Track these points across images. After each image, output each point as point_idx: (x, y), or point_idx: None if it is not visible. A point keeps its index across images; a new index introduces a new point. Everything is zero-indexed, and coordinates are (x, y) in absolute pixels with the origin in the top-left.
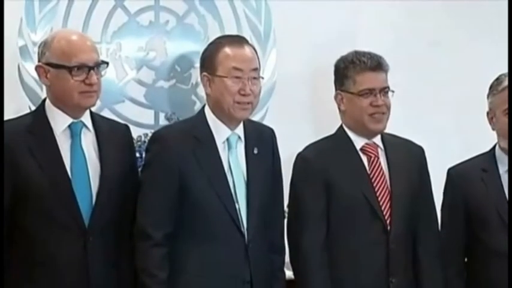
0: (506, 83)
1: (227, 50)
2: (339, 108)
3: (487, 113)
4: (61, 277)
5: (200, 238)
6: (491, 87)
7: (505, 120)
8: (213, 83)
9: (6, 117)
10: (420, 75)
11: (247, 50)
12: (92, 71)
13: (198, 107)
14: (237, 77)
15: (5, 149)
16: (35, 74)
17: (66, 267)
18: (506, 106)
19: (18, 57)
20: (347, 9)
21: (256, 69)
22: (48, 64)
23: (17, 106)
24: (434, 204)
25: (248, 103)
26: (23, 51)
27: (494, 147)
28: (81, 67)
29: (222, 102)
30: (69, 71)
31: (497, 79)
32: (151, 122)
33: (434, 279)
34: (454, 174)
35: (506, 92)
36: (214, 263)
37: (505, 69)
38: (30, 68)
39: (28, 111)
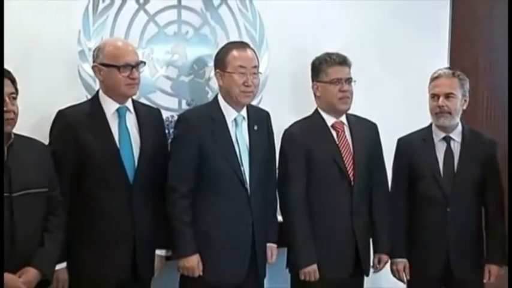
0: (436, 75)
1: (234, 52)
2: (315, 95)
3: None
4: (112, 223)
5: (214, 192)
6: (430, 79)
7: (432, 103)
8: (224, 78)
9: (68, 104)
10: (376, 69)
11: (249, 52)
12: (134, 69)
13: (210, 95)
14: (242, 73)
15: (68, 128)
16: (90, 72)
17: (116, 216)
18: (432, 92)
19: (77, 60)
20: (319, 24)
21: (256, 67)
22: (102, 64)
23: (76, 96)
24: (385, 165)
25: (250, 92)
26: (81, 55)
27: (431, 123)
28: (126, 66)
29: (231, 91)
30: (117, 69)
31: (433, 74)
32: (176, 107)
33: (384, 218)
34: (401, 143)
35: (434, 82)
36: (226, 211)
37: (440, 66)
38: (86, 67)
39: (85, 99)
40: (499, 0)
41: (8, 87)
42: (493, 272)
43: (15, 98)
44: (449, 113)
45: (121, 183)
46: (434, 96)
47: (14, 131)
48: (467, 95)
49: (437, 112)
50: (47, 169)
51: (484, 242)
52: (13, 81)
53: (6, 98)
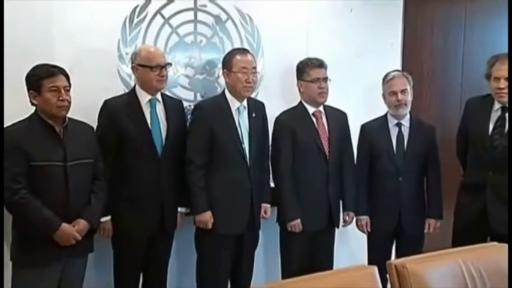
0: (389, 77)
1: (238, 57)
2: (299, 90)
3: (382, 94)
4: (145, 187)
5: (222, 164)
6: (384, 79)
7: (390, 98)
8: (230, 76)
9: (111, 95)
10: (346, 71)
11: (249, 56)
12: (163, 68)
13: (218, 90)
14: (244, 72)
15: (110, 113)
16: (126, 71)
17: (147, 181)
18: (390, 90)
19: (117, 62)
20: (303, 36)
21: (255, 68)
22: (138, 65)
23: (116, 89)
24: (352, 144)
25: (251, 87)
26: (120, 58)
27: (387, 112)
28: (157, 66)
29: (236, 87)
30: (150, 68)
31: (386, 75)
32: (192, 98)
33: (350, 184)
34: (364, 128)
35: (390, 82)
36: (231, 179)
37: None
38: (124, 68)
39: (122, 92)
40: (437, 22)
41: (63, 82)
42: (432, 224)
43: (68, 90)
44: (405, 104)
45: (151, 157)
46: (392, 93)
47: (68, 115)
48: (412, 91)
49: (397, 105)
50: (92, 145)
51: (425, 202)
52: (67, 77)
53: (62, 90)
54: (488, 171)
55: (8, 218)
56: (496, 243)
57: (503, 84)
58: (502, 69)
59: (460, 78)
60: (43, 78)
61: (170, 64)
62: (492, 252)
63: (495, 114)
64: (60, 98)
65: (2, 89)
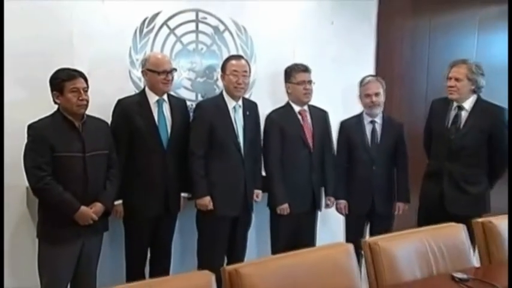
0: (365, 81)
1: (232, 61)
2: (287, 92)
3: (359, 95)
4: (152, 175)
5: (219, 156)
6: (360, 83)
7: (365, 99)
8: (224, 78)
9: (123, 95)
10: (327, 75)
11: (242, 61)
12: (168, 74)
13: (217, 91)
14: (235, 75)
15: (123, 111)
16: (137, 74)
17: (155, 170)
18: (366, 93)
19: (129, 66)
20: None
21: (246, 71)
22: (147, 69)
23: (128, 90)
24: (332, 139)
25: (241, 88)
26: (131, 63)
27: (362, 111)
28: (163, 72)
29: (229, 87)
30: (157, 73)
31: (363, 79)
32: (194, 98)
33: (331, 175)
34: (343, 124)
35: (366, 86)
36: (227, 168)
37: (366, 73)
38: (135, 72)
39: (133, 93)
40: (406, 34)
41: (82, 84)
42: (400, 207)
43: (86, 91)
44: (379, 105)
45: (158, 149)
46: (367, 96)
47: (87, 113)
48: (385, 93)
49: (371, 105)
50: (107, 138)
51: (395, 188)
52: (86, 80)
53: (81, 91)
54: (445, 161)
55: (34, 201)
56: (453, 223)
57: (453, 83)
58: (453, 71)
59: (425, 82)
60: (65, 81)
61: (175, 69)
62: (450, 231)
63: (452, 113)
64: (80, 98)
65: (2, 89)
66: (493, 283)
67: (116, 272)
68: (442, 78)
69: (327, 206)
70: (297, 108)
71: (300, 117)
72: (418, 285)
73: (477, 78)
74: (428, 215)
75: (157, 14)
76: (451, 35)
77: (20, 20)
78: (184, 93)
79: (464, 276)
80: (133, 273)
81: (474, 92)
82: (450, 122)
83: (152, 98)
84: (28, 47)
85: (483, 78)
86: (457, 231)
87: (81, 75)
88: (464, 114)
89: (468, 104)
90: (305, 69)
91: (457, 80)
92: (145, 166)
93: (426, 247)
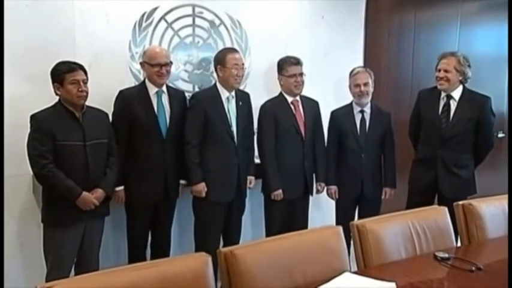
0: (354, 72)
1: (230, 55)
2: (280, 83)
3: (349, 86)
4: (152, 163)
5: (214, 144)
6: (350, 73)
7: (355, 89)
8: (224, 71)
9: (124, 87)
10: (319, 67)
11: (238, 54)
12: (162, 67)
13: (213, 82)
14: (236, 68)
15: (124, 101)
16: (137, 67)
17: (154, 158)
18: (355, 83)
19: (129, 59)
20: (283, 38)
21: (243, 64)
22: (145, 62)
23: (128, 83)
24: (323, 127)
25: (240, 80)
26: (131, 56)
27: (352, 101)
28: (157, 64)
29: (228, 80)
30: (151, 66)
31: (352, 70)
32: (191, 89)
33: (322, 162)
34: (333, 114)
35: (355, 76)
36: (220, 156)
37: (356, 65)
38: (134, 64)
39: (134, 85)
40: (392, 28)
41: (81, 76)
42: (387, 192)
43: (86, 83)
44: (367, 94)
45: (157, 138)
46: (357, 85)
47: (88, 103)
48: (373, 84)
49: (360, 94)
50: (107, 127)
51: (382, 174)
52: (85, 72)
53: (81, 83)
54: (438, 148)
55: (39, 188)
56: (436, 206)
57: (443, 74)
58: (442, 63)
59: (410, 73)
60: (65, 73)
61: (171, 63)
62: (433, 213)
63: (442, 102)
64: (80, 89)
65: (2, 89)
66: (472, 261)
67: (119, 254)
68: (426, 70)
69: (318, 191)
70: (289, 98)
71: (292, 107)
72: (403, 264)
73: (465, 70)
74: (419, 197)
75: (155, 9)
76: (434, 29)
77: (25, 16)
78: (182, 85)
79: (446, 255)
80: (135, 255)
81: (461, 82)
82: (440, 110)
83: (152, 89)
84: (32, 43)
85: (470, 70)
86: (440, 214)
87: (81, 67)
88: (453, 104)
89: (456, 94)
90: (297, 62)
91: (446, 71)
92: (145, 154)
93: (410, 229)
